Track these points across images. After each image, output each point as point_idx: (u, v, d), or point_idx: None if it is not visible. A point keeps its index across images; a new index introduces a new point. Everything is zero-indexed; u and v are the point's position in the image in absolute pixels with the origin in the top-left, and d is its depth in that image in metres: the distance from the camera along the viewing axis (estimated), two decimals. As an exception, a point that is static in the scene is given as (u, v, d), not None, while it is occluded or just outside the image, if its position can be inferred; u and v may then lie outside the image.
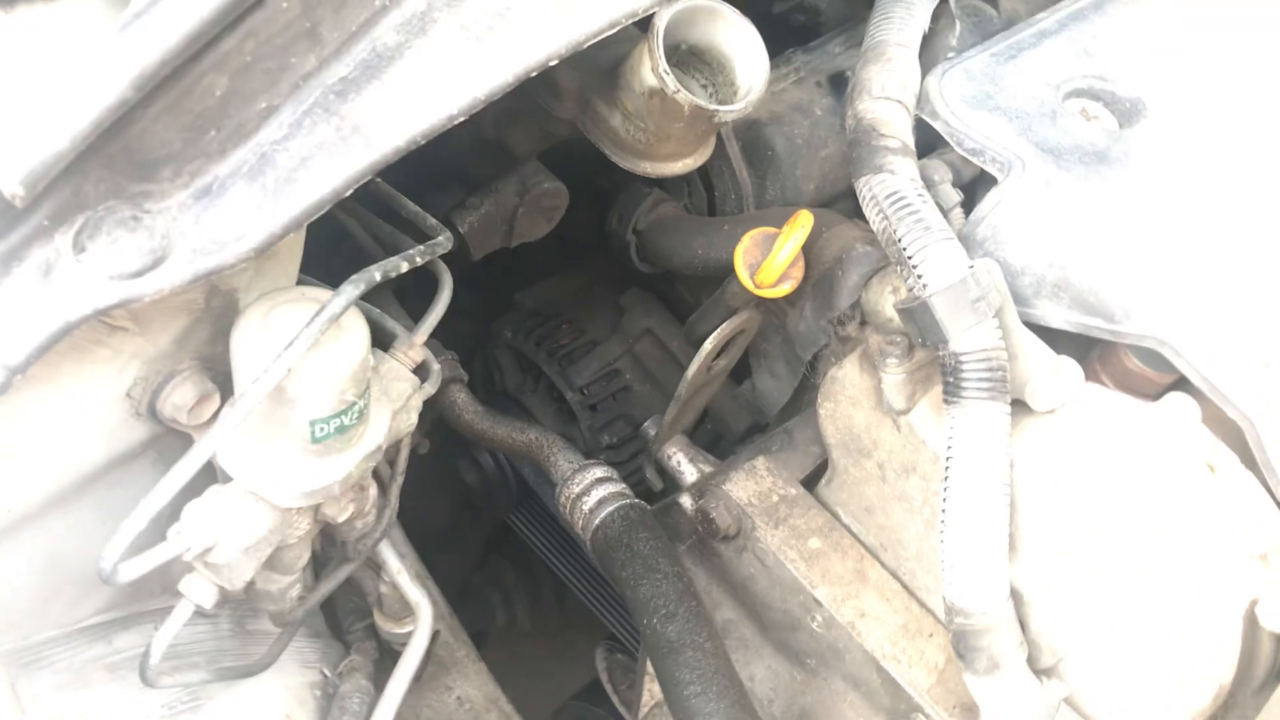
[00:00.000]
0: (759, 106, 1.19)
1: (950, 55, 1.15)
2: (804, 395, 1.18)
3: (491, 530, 1.69)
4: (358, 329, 0.73)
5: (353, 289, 0.70)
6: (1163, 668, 0.89)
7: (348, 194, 0.63)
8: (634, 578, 0.99)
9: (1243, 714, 0.91)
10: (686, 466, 1.16)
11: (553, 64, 0.67)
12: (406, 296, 1.17)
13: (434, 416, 1.20)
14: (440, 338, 1.47)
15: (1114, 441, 0.90)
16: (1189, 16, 1.13)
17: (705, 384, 1.12)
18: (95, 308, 0.59)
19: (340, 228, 0.98)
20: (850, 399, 1.03)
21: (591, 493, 1.06)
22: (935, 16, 1.14)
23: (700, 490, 1.12)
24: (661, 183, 1.22)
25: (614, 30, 0.70)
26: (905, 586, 1.06)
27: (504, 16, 0.67)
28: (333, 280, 0.71)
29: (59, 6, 0.65)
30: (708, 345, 1.04)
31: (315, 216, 0.63)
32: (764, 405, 1.20)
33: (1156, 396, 0.95)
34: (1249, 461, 0.89)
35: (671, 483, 1.18)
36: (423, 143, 0.64)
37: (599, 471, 1.08)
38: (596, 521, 1.05)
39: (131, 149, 0.58)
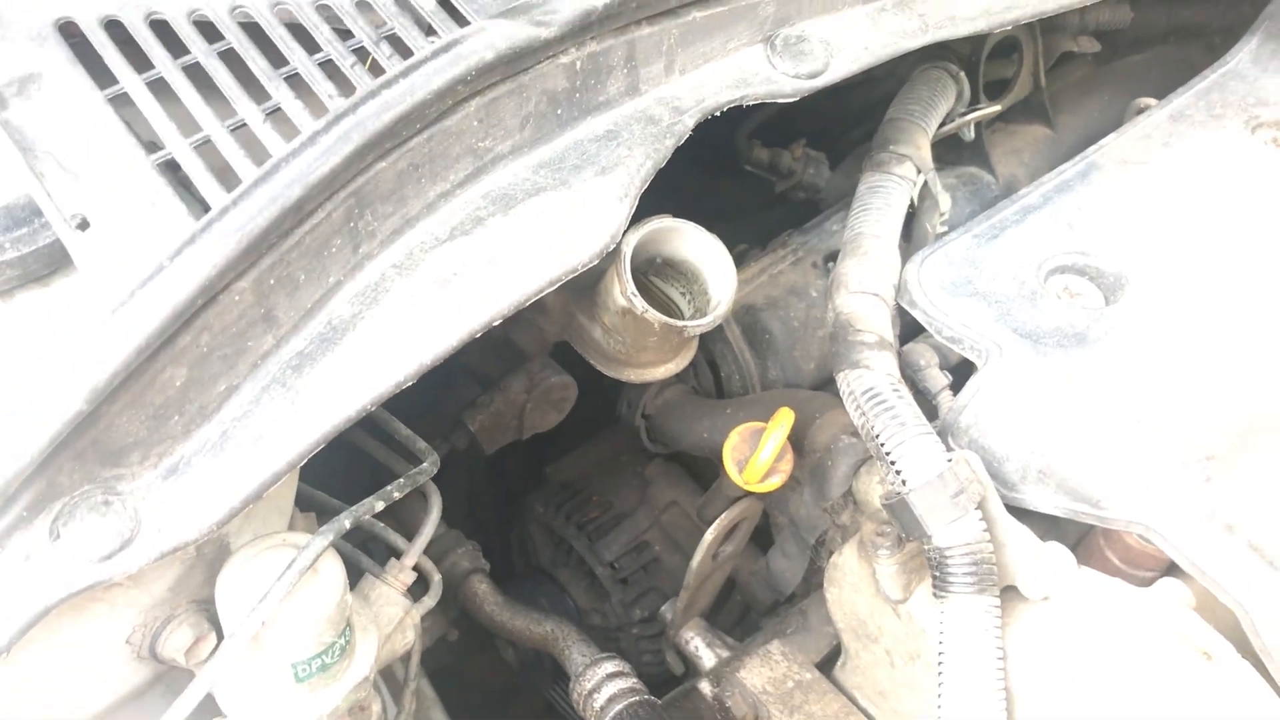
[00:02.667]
0: (759, 291, 1.24)
1: (943, 229, 1.18)
2: (818, 576, 1.18)
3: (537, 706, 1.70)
4: (333, 573, 0.77)
5: (322, 540, 0.74)
6: None
7: (303, 462, 0.68)
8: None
9: None
10: (704, 651, 1.17)
11: (497, 323, 0.72)
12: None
13: (459, 607, 1.24)
14: (475, 518, 1.52)
15: (1107, 631, 0.89)
16: (1174, 186, 1.14)
17: (714, 570, 1.14)
18: (70, 590, 0.64)
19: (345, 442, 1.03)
20: (853, 585, 1.03)
21: (602, 689, 1.08)
22: (921, 196, 1.18)
23: (718, 677, 1.12)
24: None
25: (556, 286, 0.74)
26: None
27: (451, 283, 0.72)
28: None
29: (54, 290, 0.72)
30: (708, 537, 1.06)
31: (275, 485, 0.68)
32: (778, 584, 1.21)
33: (1165, 571, 0.94)
34: (1245, 647, 0.87)
35: (691, 666, 1.19)
36: (373, 409, 0.69)
37: (610, 666, 1.09)
38: (608, 718, 1.07)
39: (100, 441, 0.64)
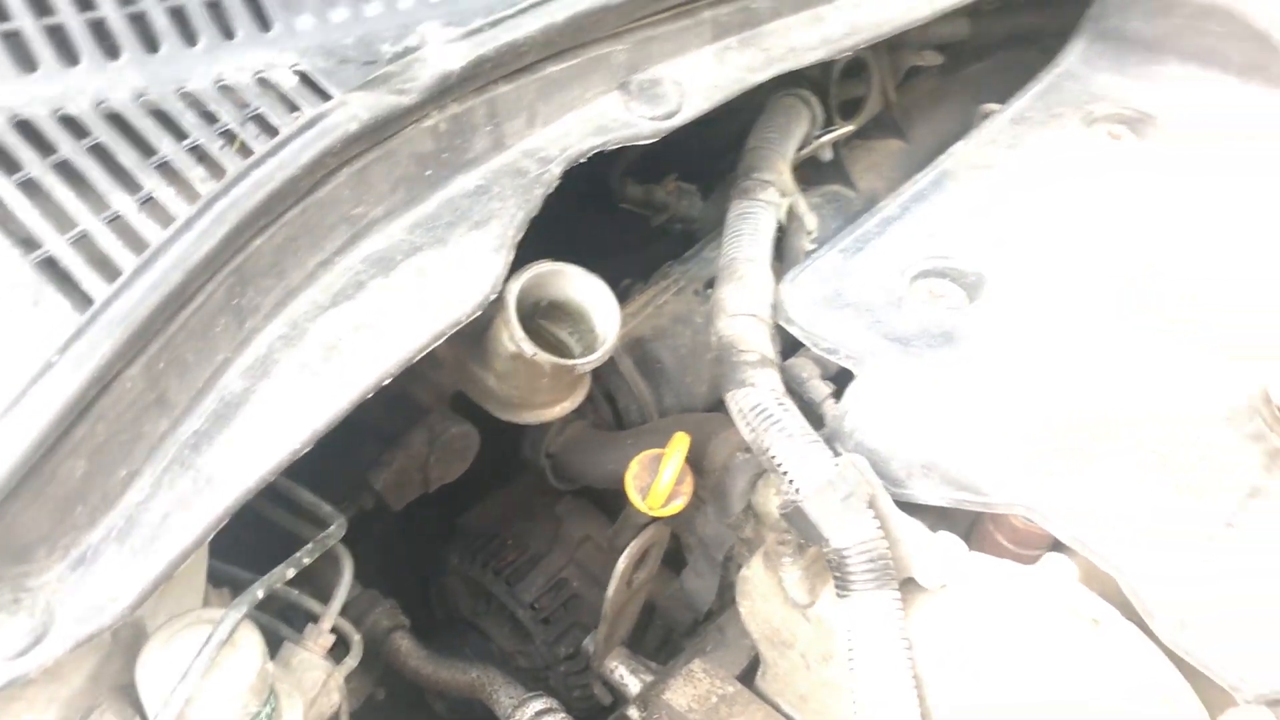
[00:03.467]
0: (646, 323, 1.28)
1: (812, 246, 1.23)
2: (730, 591, 1.22)
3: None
4: (251, 643, 0.78)
5: (237, 612, 0.75)
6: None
7: (210, 537, 0.70)
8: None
9: None
10: (629, 678, 1.19)
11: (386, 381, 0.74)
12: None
13: (383, 665, 1.25)
14: (392, 576, 1.52)
15: (1002, 610, 0.95)
16: (1022, 185, 1.21)
17: (631, 598, 1.17)
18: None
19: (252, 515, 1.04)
20: (762, 595, 1.07)
21: (534, 723, 1.10)
22: (788, 217, 1.23)
23: (644, 701, 1.15)
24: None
25: (441, 339, 0.77)
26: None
27: (337, 348, 0.75)
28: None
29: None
30: (620, 566, 1.09)
31: (186, 563, 0.69)
32: (694, 604, 1.24)
33: (1052, 546, 1.00)
34: (1127, 610, 0.93)
35: (618, 695, 1.22)
36: (275, 479, 0.71)
37: (538, 704, 1.11)
38: (546, 753, 1.09)
39: (3, 541, 0.65)
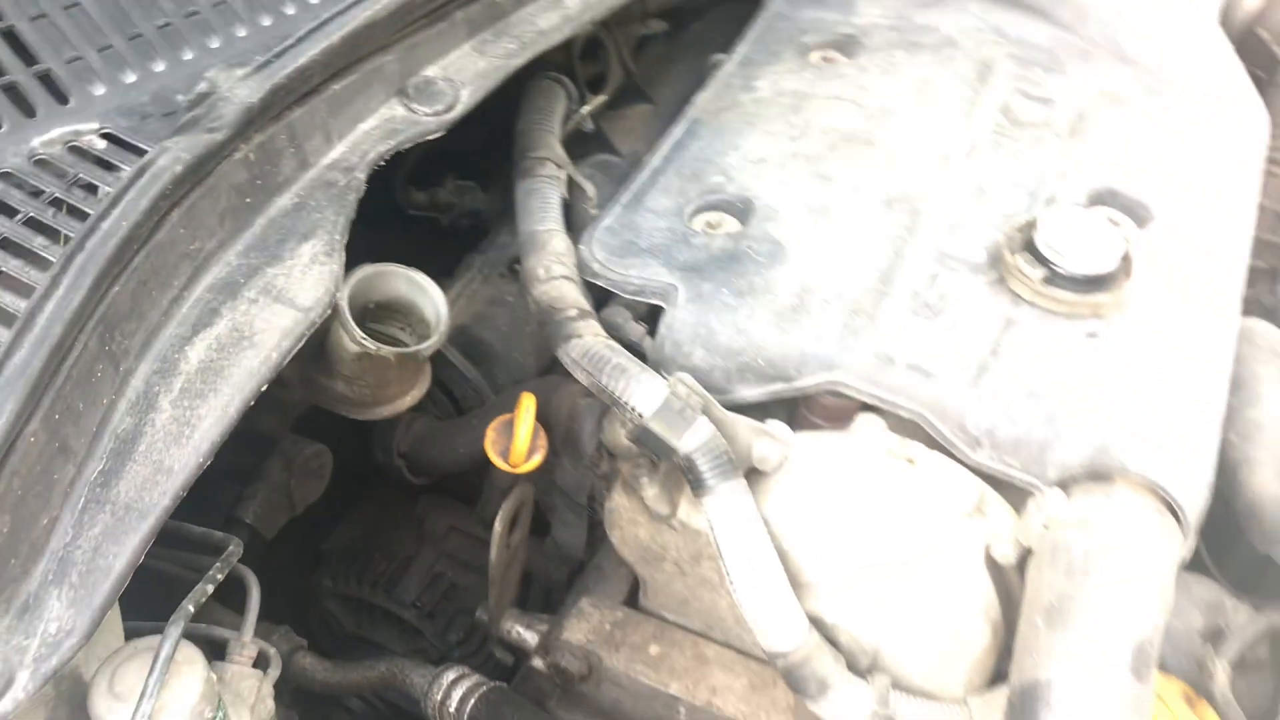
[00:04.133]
0: (463, 311, 1.37)
1: (595, 211, 1.35)
2: (598, 530, 1.33)
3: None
4: (193, 655, 0.84)
5: (176, 629, 0.81)
6: (942, 626, 1.07)
7: (142, 559, 0.75)
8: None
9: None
10: (526, 634, 1.29)
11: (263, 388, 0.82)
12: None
13: (291, 688, 1.29)
14: (268, 614, 1.56)
15: (832, 470, 1.09)
16: (762, 116, 1.36)
17: (511, 558, 1.26)
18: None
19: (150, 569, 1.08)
20: (629, 520, 1.19)
21: (452, 694, 1.18)
22: (570, 189, 1.35)
23: (545, 648, 1.25)
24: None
25: (301, 340, 0.85)
26: (740, 651, 1.22)
27: (211, 368, 0.81)
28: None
29: None
30: (497, 528, 1.19)
31: (124, 587, 0.75)
32: (569, 554, 1.35)
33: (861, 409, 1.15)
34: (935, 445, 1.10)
35: (520, 652, 1.31)
36: (185, 493, 0.77)
37: (451, 674, 1.20)
38: (465, 717, 1.17)
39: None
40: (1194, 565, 1.42)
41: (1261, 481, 1.26)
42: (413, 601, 1.49)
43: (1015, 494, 1.09)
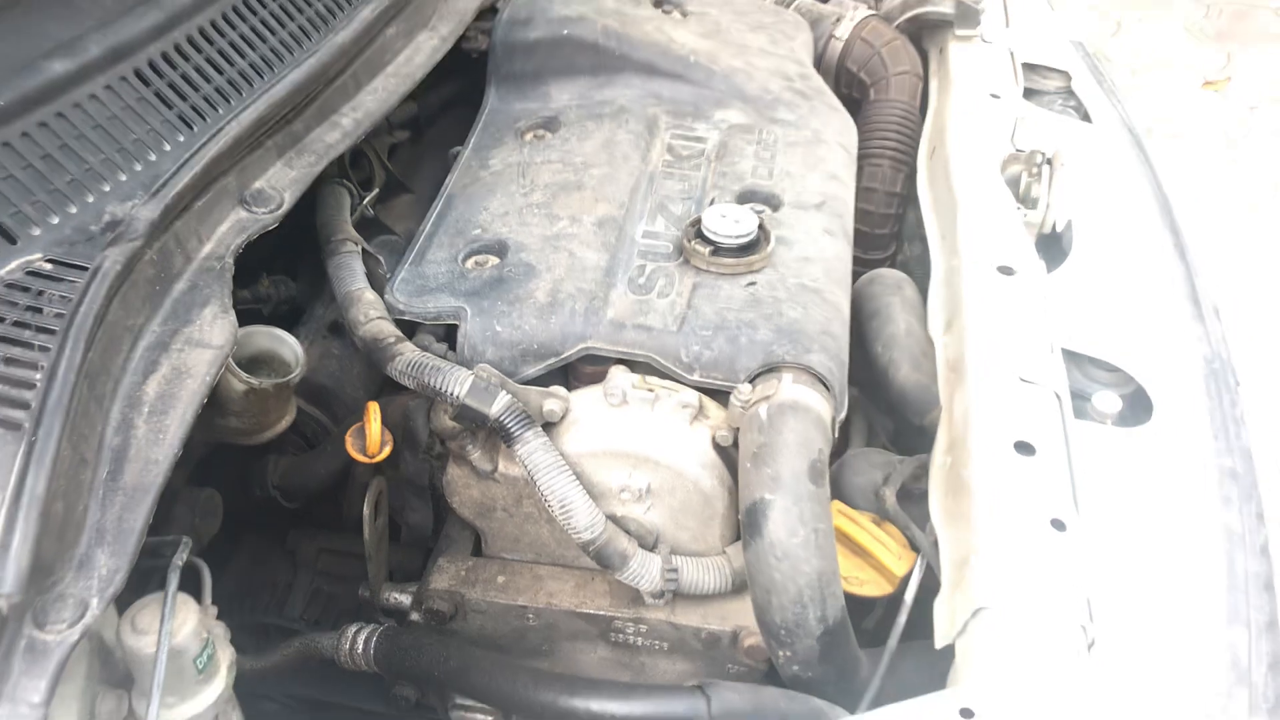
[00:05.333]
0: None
1: (387, 275, 1.77)
2: (441, 510, 1.73)
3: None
4: (187, 601, 1.20)
5: (175, 576, 1.18)
6: (694, 500, 1.52)
7: (151, 520, 1.12)
8: (420, 653, 1.50)
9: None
10: (401, 596, 1.66)
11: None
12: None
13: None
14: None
15: (598, 410, 1.54)
16: (499, 184, 1.83)
17: (380, 538, 1.64)
18: (71, 641, 1.03)
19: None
20: (463, 485, 1.60)
21: (356, 640, 1.55)
22: (365, 260, 1.76)
23: (419, 601, 1.63)
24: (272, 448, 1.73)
25: (222, 366, 1.23)
26: (564, 566, 1.65)
27: (165, 396, 1.19)
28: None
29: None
30: (366, 512, 1.57)
31: (143, 540, 1.11)
32: (421, 535, 1.74)
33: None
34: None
35: (400, 614, 1.69)
36: (169, 476, 1.14)
37: (353, 628, 1.56)
38: (371, 650, 1.54)
39: (35, 565, 1.03)
40: (872, 443, 1.96)
41: (904, 375, 1.80)
42: (300, 615, 1.83)
43: (724, 398, 1.56)
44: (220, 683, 1.23)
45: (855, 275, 1.84)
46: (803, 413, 1.45)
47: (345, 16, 1.60)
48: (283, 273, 1.91)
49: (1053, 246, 2.01)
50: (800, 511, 1.38)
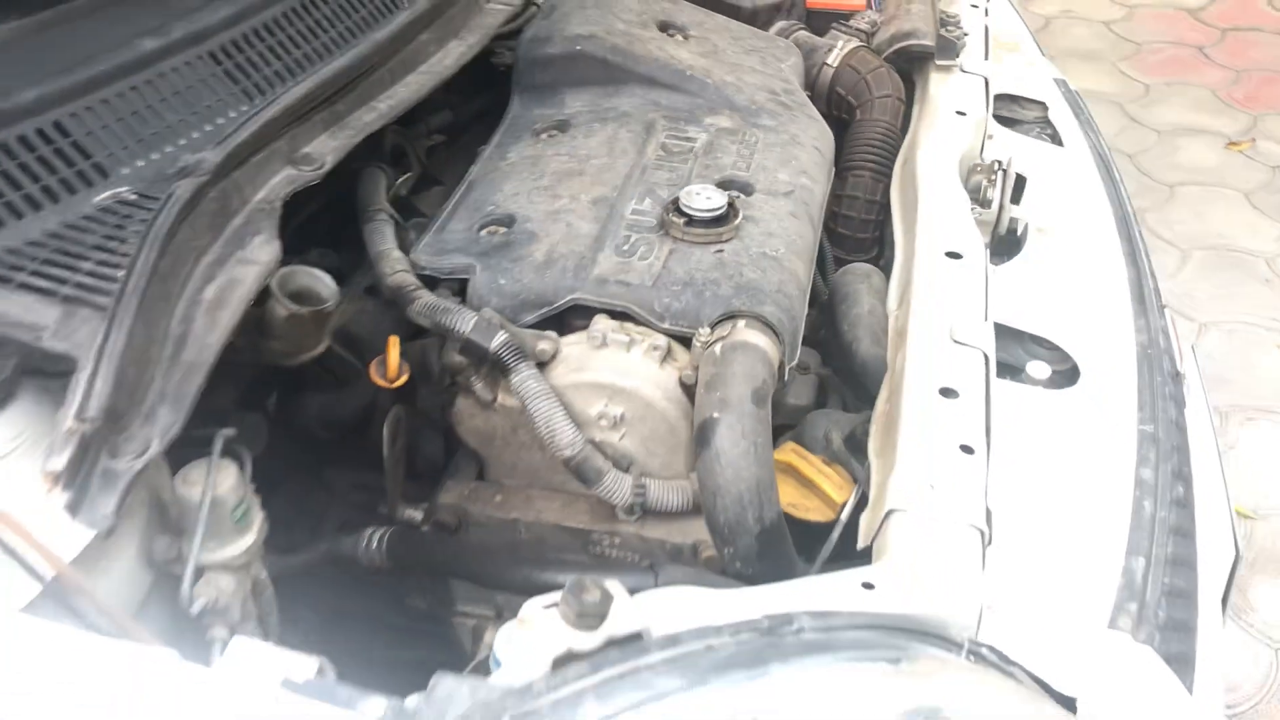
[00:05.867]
0: (339, 319, 2.05)
1: (414, 237, 2.06)
2: (451, 444, 2.00)
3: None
4: (228, 464, 1.48)
5: (218, 439, 1.46)
6: (662, 428, 1.78)
7: (203, 388, 1.41)
8: (423, 545, 1.76)
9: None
10: (414, 512, 1.93)
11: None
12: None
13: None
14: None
15: (582, 351, 1.81)
16: (516, 168, 2.12)
17: (397, 460, 1.91)
18: (138, 468, 1.31)
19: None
20: (469, 415, 1.87)
21: (373, 540, 1.81)
22: (398, 230, 2.06)
23: (428, 516, 1.90)
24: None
25: (269, 276, 1.53)
26: (554, 490, 1.90)
27: (220, 299, 1.49)
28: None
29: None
30: (385, 434, 1.85)
31: (196, 403, 1.39)
32: (434, 463, 2.01)
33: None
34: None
35: (412, 527, 1.95)
36: (219, 355, 1.43)
37: (369, 529, 1.83)
38: (384, 546, 1.80)
39: (109, 413, 1.32)
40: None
41: (865, 349, 2.05)
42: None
43: (690, 345, 1.82)
44: (253, 535, 1.50)
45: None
46: (751, 350, 1.71)
47: (386, 21, 1.92)
48: (328, 247, 2.21)
49: (1010, 246, 2.27)
50: (743, 427, 1.62)
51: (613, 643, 1.26)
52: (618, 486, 1.75)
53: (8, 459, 1.35)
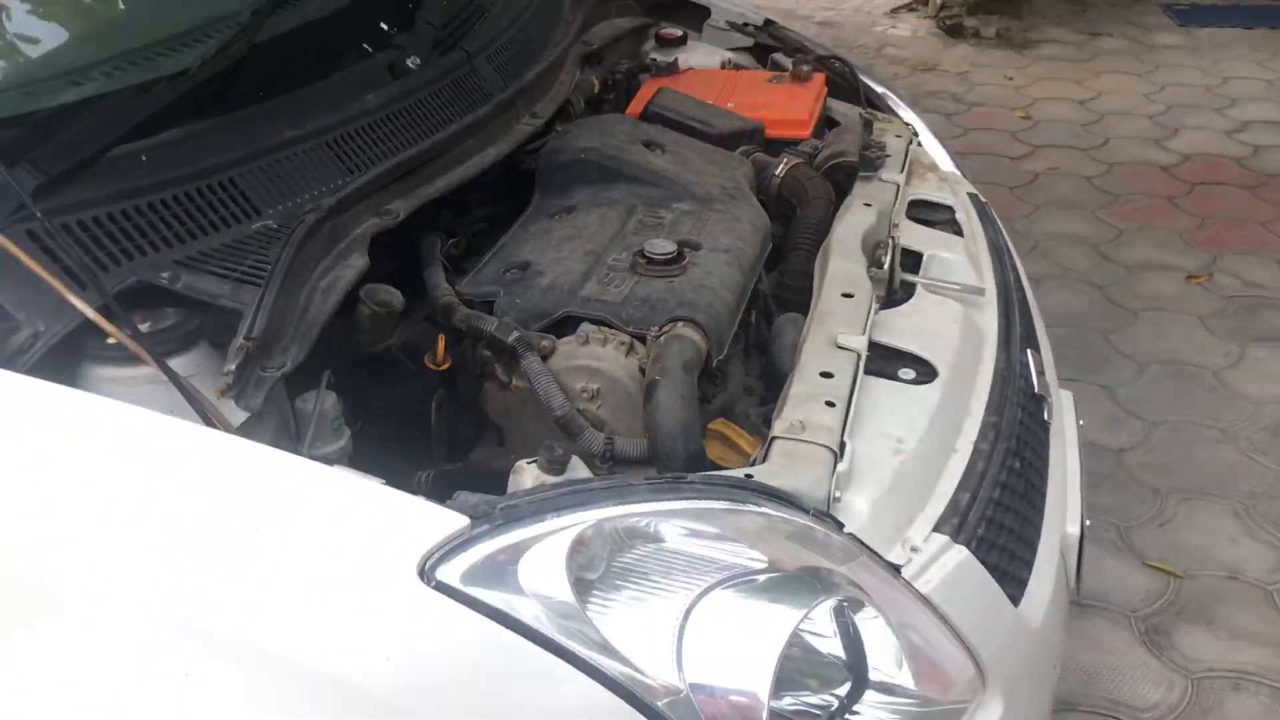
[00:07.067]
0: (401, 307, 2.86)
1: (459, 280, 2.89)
2: (481, 420, 2.76)
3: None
4: (330, 391, 2.27)
5: (326, 376, 2.25)
6: (625, 401, 2.54)
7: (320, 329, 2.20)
8: (471, 486, 2.52)
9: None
10: (450, 466, 2.68)
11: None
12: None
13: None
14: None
15: (573, 345, 2.59)
16: (532, 241, 2.95)
17: (440, 430, 2.68)
18: (272, 383, 2.10)
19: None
20: (493, 395, 2.62)
21: (421, 478, 2.56)
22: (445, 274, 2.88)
23: (462, 468, 2.64)
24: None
25: (362, 270, 2.34)
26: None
27: (332, 285, 2.30)
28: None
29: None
30: (434, 407, 2.62)
31: (315, 341, 2.19)
32: (466, 440, 2.77)
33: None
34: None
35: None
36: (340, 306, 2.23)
37: (420, 472, 2.58)
38: (430, 482, 2.54)
39: (263, 347, 2.11)
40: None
41: (785, 365, 2.81)
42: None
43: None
44: (344, 440, 2.27)
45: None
46: (684, 339, 2.47)
47: (445, 128, 2.79)
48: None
49: (901, 300, 3.03)
50: (674, 385, 2.38)
51: (570, 481, 2.01)
52: (593, 440, 2.49)
53: (192, 378, 2.15)
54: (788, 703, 2.01)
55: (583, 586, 1.88)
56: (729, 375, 2.79)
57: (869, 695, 2.10)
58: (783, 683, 1.80)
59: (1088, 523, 2.91)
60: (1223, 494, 4.86)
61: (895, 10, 11.32)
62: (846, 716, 2.00)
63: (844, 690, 2.05)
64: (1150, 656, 4.08)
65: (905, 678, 2.18)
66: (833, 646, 2.06)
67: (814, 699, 2.07)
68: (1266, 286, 6.33)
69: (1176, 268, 6.60)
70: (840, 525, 2.12)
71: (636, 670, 1.83)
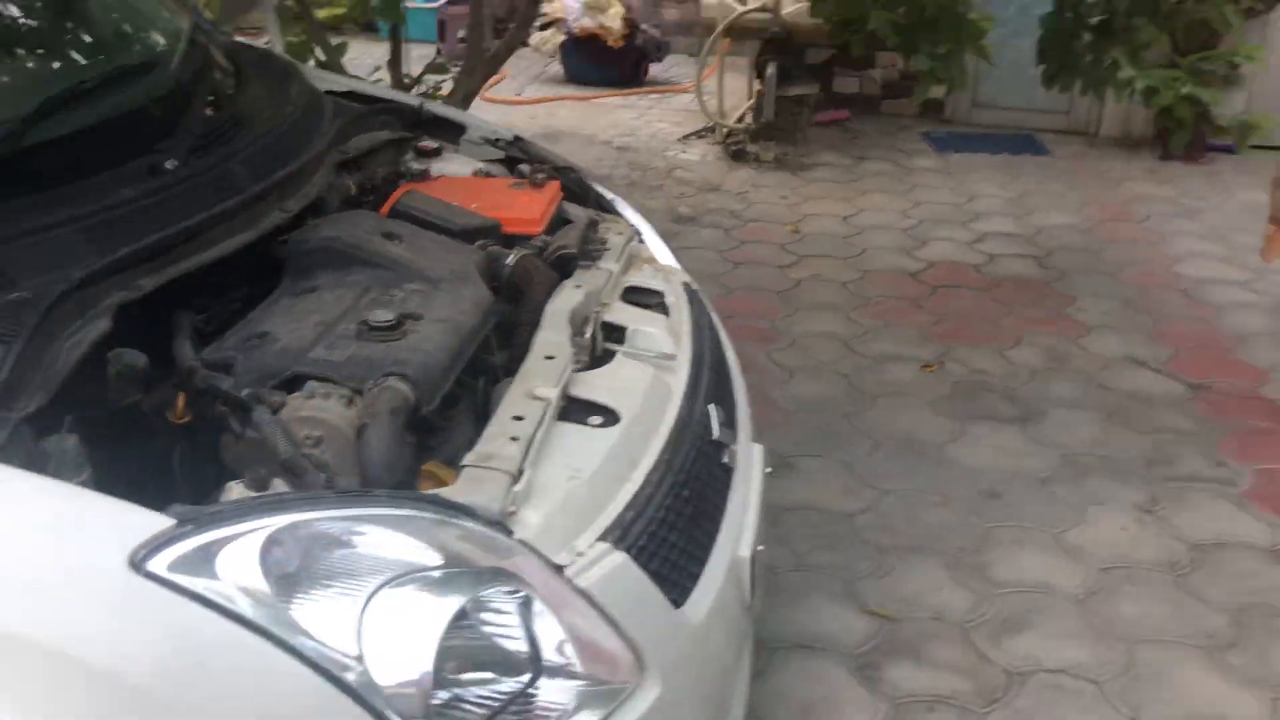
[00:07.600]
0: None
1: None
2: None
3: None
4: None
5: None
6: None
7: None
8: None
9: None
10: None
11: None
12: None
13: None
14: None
15: (302, 401, 2.99)
16: (282, 311, 3.37)
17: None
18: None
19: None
20: (228, 445, 3.01)
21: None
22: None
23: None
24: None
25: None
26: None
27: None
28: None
29: None
30: (175, 462, 2.98)
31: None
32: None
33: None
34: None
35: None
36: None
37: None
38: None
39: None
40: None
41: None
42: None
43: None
44: (83, 476, 2.61)
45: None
46: (395, 390, 2.88)
47: (192, 219, 3.20)
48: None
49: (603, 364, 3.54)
50: (382, 427, 2.81)
51: (270, 494, 2.42)
52: (315, 479, 2.88)
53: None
54: (478, 691, 2.42)
55: (281, 581, 2.28)
56: (455, 429, 3.23)
57: (545, 679, 2.52)
58: (475, 669, 2.27)
59: (760, 548, 3.43)
60: (937, 550, 5.49)
61: (686, 137, 12.26)
62: (528, 692, 2.38)
63: (526, 677, 2.47)
64: (861, 688, 4.60)
65: (575, 662, 2.61)
66: (518, 643, 2.48)
67: (504, 686, 2.48)
68: (989, 372, 7.15)
69: (913, 358, 7.37)
70: (509, 531, 2.57)
71: (320, 644, 2.23)
